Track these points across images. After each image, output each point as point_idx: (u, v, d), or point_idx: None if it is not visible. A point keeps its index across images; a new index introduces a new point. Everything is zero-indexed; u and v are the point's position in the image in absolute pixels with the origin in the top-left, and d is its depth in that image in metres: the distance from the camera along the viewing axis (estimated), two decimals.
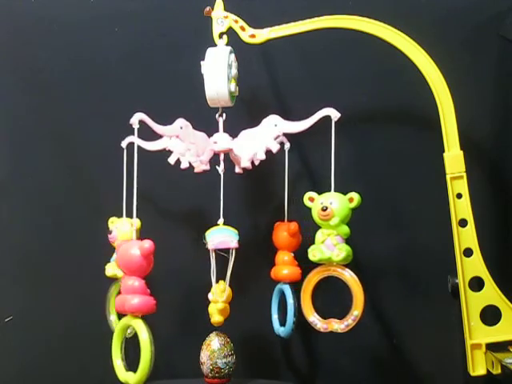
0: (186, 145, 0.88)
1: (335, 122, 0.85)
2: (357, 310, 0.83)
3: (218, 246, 0.86)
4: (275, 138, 0.89)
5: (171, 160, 0.89)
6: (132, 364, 0.80)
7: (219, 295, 0.87)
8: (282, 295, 0.98)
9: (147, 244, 0.76)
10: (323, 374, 1.07)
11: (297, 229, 0.95)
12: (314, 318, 0.86)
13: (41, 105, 1.11)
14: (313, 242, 0.85)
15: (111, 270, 0.95)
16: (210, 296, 0.88)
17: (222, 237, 0.87)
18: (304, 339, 1.06)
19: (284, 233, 0.96)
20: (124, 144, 0.95)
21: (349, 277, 0.84)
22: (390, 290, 1.06)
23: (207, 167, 0.91)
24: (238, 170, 0.94)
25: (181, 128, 0.88)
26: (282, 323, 0.98)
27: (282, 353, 1.08)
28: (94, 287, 1.02)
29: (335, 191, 0.84)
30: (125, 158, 0.94)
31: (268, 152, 0.90)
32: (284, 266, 0.96)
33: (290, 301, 0.95)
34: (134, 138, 0.82)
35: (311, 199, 0.85)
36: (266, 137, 0.89)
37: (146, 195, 1.09)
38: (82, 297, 1.07)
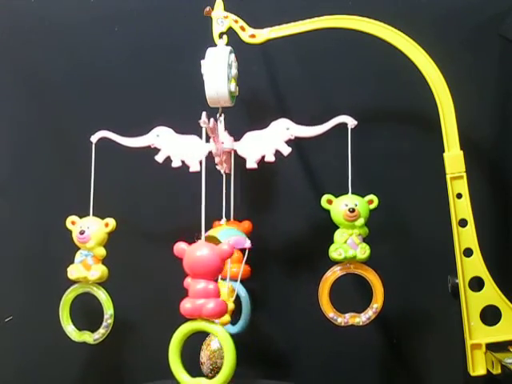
0: (164, 151, 0.91)
1: (340, 122, 0.85)
2: (377, 304, 0.88)
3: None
4: (287, 142, 0.90)
5: (159, 158, 0.90)
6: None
7: (230, 296, 0.88)
8: None
9: (227, 247, 0.73)
10: (323, 374, 1.07)
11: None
12: (333, 314, 0.89)
13: (40, 105, 1.11)
14: None
15: (75, 272, 0.91)
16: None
17: (235, 237, 0.87)
18: (304, 339, 1.06)
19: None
20: (94, 139, 0.94)
21: (371, 272, 0.89)
22: (389, 290, 1.06)
23: (197, 169, 0.91)
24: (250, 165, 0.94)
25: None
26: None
27: (282, 353, 1.08)
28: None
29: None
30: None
31: (276, 154, 0.90)
32: (234, 264, 0.93)
33: (246, 298, 0.95)
34: (105, 133, 0.88)
35: (329, 201, 0.88)
36: (275, 140, 0.90)
37: (146, 195, 1.10)
38: (82, 297, 1.06)
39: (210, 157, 0.91)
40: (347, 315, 0.88)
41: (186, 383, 0.74)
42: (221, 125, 0.92)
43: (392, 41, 0.87)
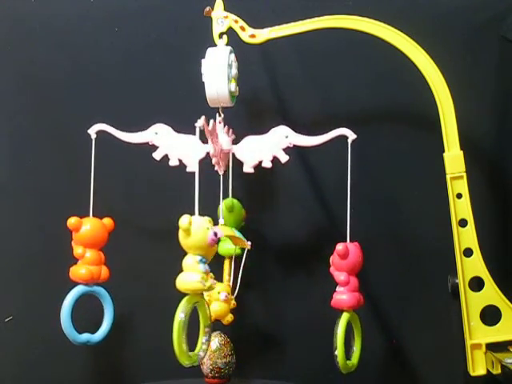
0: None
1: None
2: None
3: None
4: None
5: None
6: None
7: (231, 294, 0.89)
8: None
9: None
10: (323, 374, 1.07)
11: None
12: None
13: (40, 105, 1.11)
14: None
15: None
16: (225, 296, 0.88)
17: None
18: (304, 339, 1.06)
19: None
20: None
21: None
22: (389, 290, 1.06)
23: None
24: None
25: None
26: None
27: (282, 353, 1.08)
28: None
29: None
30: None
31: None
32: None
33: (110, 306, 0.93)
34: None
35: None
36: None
37: (145, 194, 1.10)
38: (82, 297, 1.06)
39: (208, 157, 0.91)
40: None
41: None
42: (220, 125, 0.93)
43: (392, 41, 0.87)
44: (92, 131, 0.92)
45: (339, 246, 0.84)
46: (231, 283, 0.93)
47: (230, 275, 0.94)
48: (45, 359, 1.09)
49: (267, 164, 0.90)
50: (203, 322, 0.78)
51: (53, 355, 1.09)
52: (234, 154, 0.93)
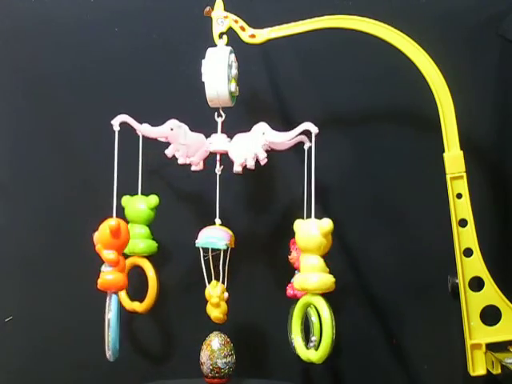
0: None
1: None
2: None
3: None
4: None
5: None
6: None
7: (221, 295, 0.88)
8: None
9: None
10: (323, 374, 1.07)
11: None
12: None
13: (40, 105, 1.11)
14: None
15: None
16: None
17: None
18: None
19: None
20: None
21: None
22: (389, 290, 1.06)
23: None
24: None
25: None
26: None
27: (282, 353, 1.08)
28: (94, 287, 1.01)
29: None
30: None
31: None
32: None
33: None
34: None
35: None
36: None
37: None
38: (83, 297, 1.06)
39: (210, 157, 0.91)
40: None
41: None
42: (219, 125, 0.92)
43: (392, 41, 0.87)
44: (115, 122, 0.87)
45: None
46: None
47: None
48: (45, 359, 1.09)
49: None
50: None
51: (53, 355, 1.09)
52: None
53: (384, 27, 0.88)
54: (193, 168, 0.90)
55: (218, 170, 0.92)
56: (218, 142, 0.91)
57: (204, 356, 0.91)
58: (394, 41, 0.87)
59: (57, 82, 1.10)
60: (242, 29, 0.91)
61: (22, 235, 1.11)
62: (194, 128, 0.91)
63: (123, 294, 0.95)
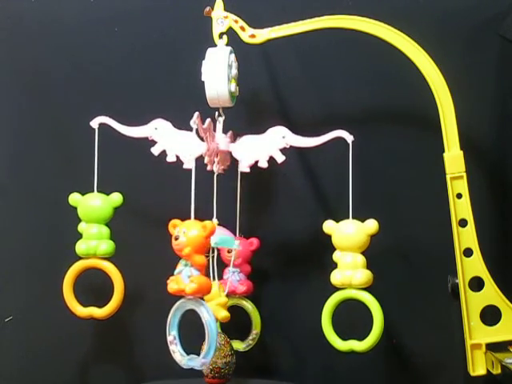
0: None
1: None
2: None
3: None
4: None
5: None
6: None
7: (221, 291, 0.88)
8: None
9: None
10: (322, 374, 1.07)
11: None
12: None
13: (40, 105, 1.11)
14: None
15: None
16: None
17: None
18: (303, 339, 1.06)
19: None
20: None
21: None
22: (389, 290, 1.06)
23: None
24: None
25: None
26: None
27: (282, 353, 1.08)
28: (94, 287, 1.02)
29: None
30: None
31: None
32: None
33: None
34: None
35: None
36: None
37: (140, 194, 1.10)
38: (83, 297, 1.06)
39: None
40: None
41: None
42: (219, 125, 0.93)
43: (392, 41, 0.87)
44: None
45: None
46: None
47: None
48: (45, 359, 1.09)
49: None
50: None
51: (53, 355, 1.09)
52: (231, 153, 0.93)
53: (384, 27, 0.88)
54: (185, 166, 0.90)
55: (217, 169, 0.92)
56: (219, 141, 0.91)
57: None
58: (394, 41, 0.87)
59: (57, 82, 1.11)
60: (242, 29, 0.91)
61: (21, 235, 1.11)
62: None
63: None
